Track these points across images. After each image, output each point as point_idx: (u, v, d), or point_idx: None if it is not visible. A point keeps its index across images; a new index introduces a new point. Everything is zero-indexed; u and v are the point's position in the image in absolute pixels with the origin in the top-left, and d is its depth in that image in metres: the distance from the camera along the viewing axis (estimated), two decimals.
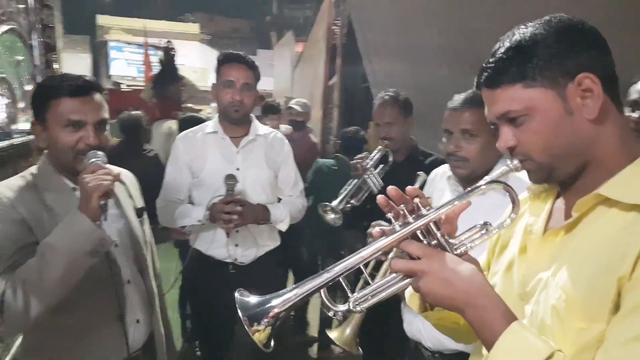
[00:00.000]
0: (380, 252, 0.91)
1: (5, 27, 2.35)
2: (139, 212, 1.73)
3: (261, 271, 2.34)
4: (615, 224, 0.84)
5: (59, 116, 1.43)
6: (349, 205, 2.39)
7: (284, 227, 2.42)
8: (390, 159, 2.44)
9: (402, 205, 0.94)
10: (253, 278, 2.27)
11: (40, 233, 1.38)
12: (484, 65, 0.95)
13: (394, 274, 0.92)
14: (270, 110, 4.82)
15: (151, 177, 4.18)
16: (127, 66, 25.84)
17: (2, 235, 1.35)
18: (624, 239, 0.80)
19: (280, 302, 0.92)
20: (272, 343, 0.92)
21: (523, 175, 1.03)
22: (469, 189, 0.96)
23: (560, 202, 0.99)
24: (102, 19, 27.27)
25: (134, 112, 4.79)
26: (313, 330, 4.15)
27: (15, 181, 1.47)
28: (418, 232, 0.92)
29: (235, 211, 2.13)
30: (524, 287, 0.96)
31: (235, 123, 2.34)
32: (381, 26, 4.42)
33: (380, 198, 0.95)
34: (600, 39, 0.90)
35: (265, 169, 2.37)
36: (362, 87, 5.12)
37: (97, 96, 1.50)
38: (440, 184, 1.94)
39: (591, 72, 0.86)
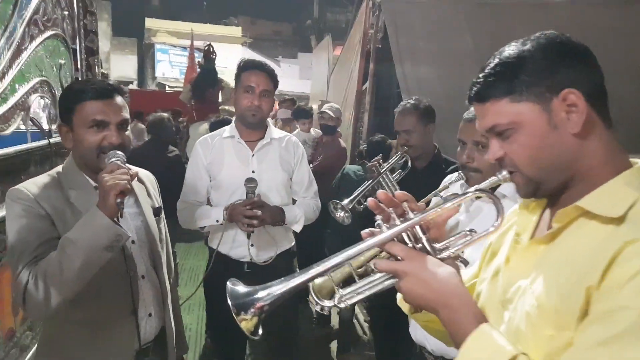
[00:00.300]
0: (363, 252, 0.97)
1: (49, 33, 2.50)
2: (156, 211, 1.81)
3: (276, 270, 2.40)
4: (593, 236, 0.86)
5: (84, 117, 1.53)
6: (361, 207, 2.43)
7: (298, 228, 2.48)
8: (409, 164, 2.47)
9: (391, 209, 0.98)
10: (267, 277, 2.35)
11: (62, 228, 1.47)
12: (474, 80, 0.98)
13: (379, 274, 0.96)
14: (302, 115, 4.90)
15: (172, 176, 4.39)
16: (171, 68, 26.53)
17: (26, 229, 1.44)
18: (598, 251, 0.82)
19: (266, 294, 0.99)
20: (260, 331, 0.99)
21: None
22: (454, 196, 1.00)
23: (548, 213, 1.01)
24: (150, 22, 28.07)
25: (160, 113, 4.94)
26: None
27: (42, 179, 1.57)
28: (404, 235, 0.96)
29: (254, 214, 2.21)
30: (505, 294, 0.98)
31: (252, 127, 2.41)
32: (414, 32, 4.44)
33: (370, 201, 1.00)
34: (588, 55, 0.92)
35: (280, 172, 2.44)
36: (395, 93, 5.14)
37: (119, 99, 1.60)
38: (453, 188, 1.97)
39: (576, 88, 0.89)
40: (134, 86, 24.23)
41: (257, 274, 2.35)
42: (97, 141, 1.54)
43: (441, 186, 2.07)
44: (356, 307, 4.37)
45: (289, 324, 2.59)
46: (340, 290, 0.98)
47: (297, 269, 3.62)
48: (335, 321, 4.31)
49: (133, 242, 1.67)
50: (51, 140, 2.39)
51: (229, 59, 13.60)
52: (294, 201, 2.58)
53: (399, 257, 0.94)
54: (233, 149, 2.43)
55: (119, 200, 1.39)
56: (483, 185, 1.00)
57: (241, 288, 1.03)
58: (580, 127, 0.89)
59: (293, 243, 2.61)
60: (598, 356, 0.75)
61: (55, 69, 2.62)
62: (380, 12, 5.01)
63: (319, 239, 3.95)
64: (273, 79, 2.38)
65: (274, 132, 2.51)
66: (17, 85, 2.11)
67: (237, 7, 34.85)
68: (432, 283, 0.91)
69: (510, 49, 0.94)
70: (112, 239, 1.40)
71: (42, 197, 1.50)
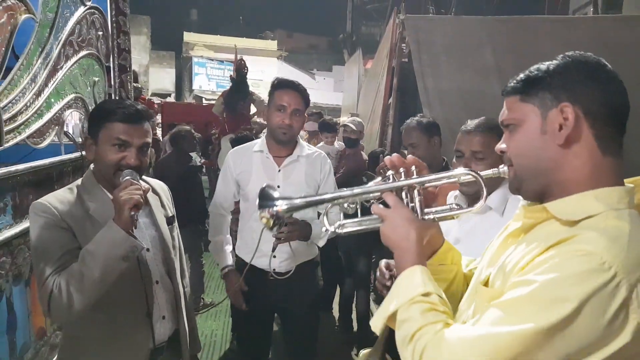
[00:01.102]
0: (369, 193, 1.20)
1: (84, 52, 2.68)
2: (169, 220, 1.94)
3: (299, 280, 2.49)
4: (546, 234, 0.97)
5: (109, 135, 1.66)
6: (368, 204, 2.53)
7: (322, 243, 2.57)
8: None
9: (401, 169, 1.20)
10: (291, 287, 2.47)
11: (83, 239, 1.59)
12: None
13: (374, 215, 1.18)
14: (326, 128, 5.01)
15: (190, 185, 4.52)
16: (208, 81, 27.12)
17: (50, 241, 1.57)
18: (539, 244, 0.95)
19: (285, 203, 1.21)
20: (275, 229, 1.24)
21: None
22: (445, 172, 1.19)
23: None
24: (188, 36, 28.79)
25: (181, 126, 5.18)
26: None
27: (63, 193, 1.70)
28: (403, 192, 1.18)
29: (284, 229, 2.32)
30: (479, 279, 1.15)
31: (282, 144, 2.50)
32: (435, 47, 4.51)
33: (386, 159, 1.21)
34: (608, 80, 0.98)
35: (305, 187, 2.50)
36: (419, 107, 5.20)
37: (146, 124, 1.72)
38: (449, 200, 2.06)
39: (576, 104, 0.96)
40: (171, 98, 24.85)
41: (281, 283, 2.45)
42: (116, 159, 1.66)
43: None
44: (372, 305, 4.44)
45: (309, 330, 2.68)
46: (343, 220, 1.24)
47: (321, 279, 3.72)
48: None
49: (148, 250, 1.79)
50: (83, 152, 2.56)
51: (265, 72, 13.88)
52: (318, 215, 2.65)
53: (389, 205, 1.14)
54: (261, 163, 2.53)
55: (132, 213, 1.51)
56: (484, 173, 1.16)
57: (271, 193, 1.23)
58: (563, 140, 0.97)
59: (317, 254, 2.67)
60: (497, 310, 0.91)
61: (89, 86, 2.80)
62: (405, 28, 5.08)
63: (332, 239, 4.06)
64: (304, 98, 2.46)
65: (304, 149, 2.58)
66: (52, 102, 2.29)
67: (273, 21, 35.45)
68: (398, 229, 1.10)
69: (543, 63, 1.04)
70: (128, 250, 1.52)
71: (63, 211, 1.61)
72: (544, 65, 1.01)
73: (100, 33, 3.00)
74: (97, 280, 1.50)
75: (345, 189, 1.20)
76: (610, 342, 0.83)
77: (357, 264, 4.10)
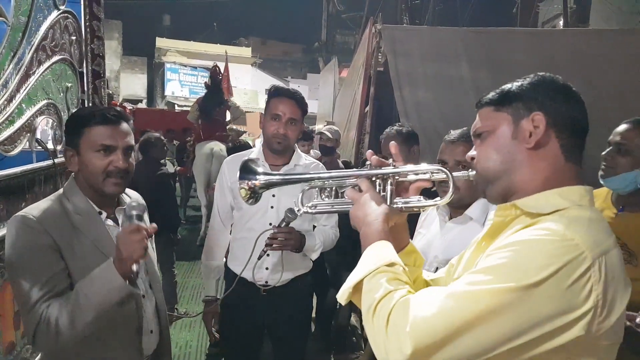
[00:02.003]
0: (345, 178, 1.30)
1: (56, 57, 2.61)
2: None
3: (292, 293, 2.43)
4: (517, 227, 1.05)
5: (92, 141, 1.59)
6: None
7: (315, 256, 2.51)
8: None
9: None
10: (283, 299, 2.42)
11: (69, 254, 1.53)
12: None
13: (346, 199, 1.27)
14: (302, 136, 4.99)
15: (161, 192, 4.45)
16: (181, 87, 26.88)
17: (36, 261, 1.48)
18: (509, 231, 1.04)
19: (264, 178, 1.32)
20: (251, 200, 1.36)
21: None
22: (418, 166, 1.24)
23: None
24: (160, 42, 28.51)
25: (150, 133, 5.13)
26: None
27: (45, 204, 1.61)
28: (377, 180, 1.25)
29: (278, 236, 2.26)
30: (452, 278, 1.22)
31: (277, 153, 2.44)
32: (412, 57, 4.56)
33: (368, 152, 1.31)
34: (573, 97, 1.11)
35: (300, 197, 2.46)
36: (395, 116, 5.24)
37: (125, 125, 1.67)
38: (433, 211, 2.07)
39: (546, 115, 1.07)
40: (143, 104, 24.53)
41: (273, 296, 2.39)
42: (103, 165, 1.60)
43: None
44: (353, 319, 4.44)
45: (297, 347, 2.63)
46: (317, 199, 1.33)
47: (313, 291, 3.69)
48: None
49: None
50: (56, 160, 2.49)
51: (239, 79, 13.80)
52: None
53: (361, 190, 1.22)
54: None
55: (135, 267, 1.45)
56: (455, 173, 1.22)
57: (252, 167, 1.33)
58: (533, 144, 1.08)
59: (310, 267, 2.60)
60: (472, 275, 0.97)
61: (61, 92, 2.73)
62: (381, 38, 5.13)
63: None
64: (301, 106, 2.41)
65: (301, 158, 2.53)
66: (24, 108, 2.22)
67: (248, 28, 35.40)
68: (365, 209, 1.18)
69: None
70: (124, 297, 1.47)
71: (50, 226, 1.53)
72: (518, 82, 1.13)
73: (74, 38, 2.93)
74: (89, 322, 1.45)
75: (323, 171, 1.23)
76: (572, 310, 0.90)
77: (342, 277, 4.09)
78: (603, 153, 2.15)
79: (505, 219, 1.11)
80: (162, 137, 5.18)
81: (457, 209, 1.90)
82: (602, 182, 2.22)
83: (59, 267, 1.51)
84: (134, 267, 1.45)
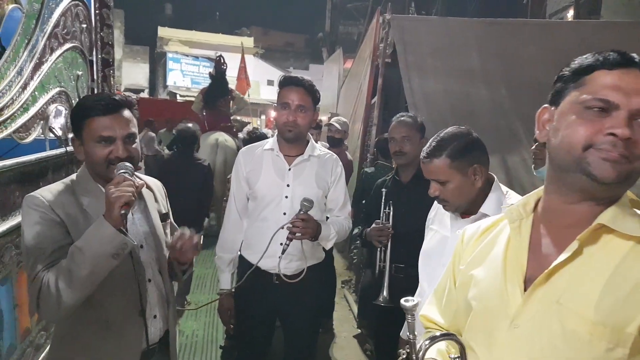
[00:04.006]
0: None
1: (68, 45, 2.60)
2: (163, 217, 1.88)
3: (304, 283, 2.41)
4: (619, 253, 0.94)
5: (92, 133, 1.60)
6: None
7: (328, 245, 2.51)
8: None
9: None
10: (296, 290, 2.41)
11: (75, 234, 1.54)
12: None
13: None
14: None
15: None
16: (183, 77, 26.80)
17: (42, 236, 1.51)
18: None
19: None
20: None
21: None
22: None
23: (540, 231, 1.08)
24: (162, 31, 28.40)
25: (184, 124, 5.14)
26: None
27: (57, 186, 1.64)
28: None
29: (299, 224, 2.26)
30: (513, 311, 1.01)
31: (290, 142, 2.43)
32: (421, 48, 4.53)
33: None
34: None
35: (314, 188, 2.44)
36: (403, 107, 5.23)
37: (126, 112, 1.65)
38: (430, 214, 2.13)
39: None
40: (144, 94, 24.47)
41: (286, 286, 2.38)
42: (104, 155, 1.61)
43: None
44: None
45: (310, 337, 2.64)
46: None
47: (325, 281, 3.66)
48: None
49: (142, 246, 1.74)
50: (68, 148, 2.48)
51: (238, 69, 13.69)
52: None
53: None
54: (271, 162, 2.47)
55: (123, 211, 1.45)
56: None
57: None
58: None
59: (323, 257, 2.61)
60: None
61: (73, 80, 2.71)
62: (389, 29, 5.09)
63: None
64: (311, 93, 2.39)
65: (315, 149, 2.52)
66: (37, 95, 2.21)
67: (250, 17, 35.25)
68: None
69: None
70: (118, 247, 1.47)
71: (57, 204, 1.56)
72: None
73: (84, 26, 2.91)
74: (86, 277, 1.45)
75: None
76: None
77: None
78: (531, 148, 2.29)
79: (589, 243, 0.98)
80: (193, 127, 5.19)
81: (463, 212, 1.90)
82: (535, 173, 2.29)
83: (65, 242, 1.53)
84: (122, 212, 1.45)
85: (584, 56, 1.00)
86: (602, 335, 0.89)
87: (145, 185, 1.76)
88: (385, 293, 2.48)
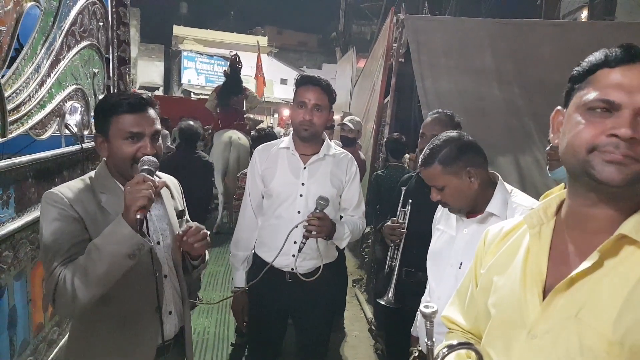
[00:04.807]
0: None
1: (85, 43, 2.63)
2: (179, 214, 1.90)
3: (316, 282, 2.40)
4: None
5: (120, 129, 1.62)
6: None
7: (343, 244, 2.51)
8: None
9: None
10: (309, 288, 2.41)
11: (94, 230, 1.56)
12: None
13: None
14: None
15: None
16: (197, 75, 26.93)
17: (60, 231, 1.53)
18: None
19: None
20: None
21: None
22: None
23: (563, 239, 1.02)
24: (177, 30, 28.56)
25: (187, 121, 5.20)
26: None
27: (76, 183, 1.66)
28: None
29: (315, 223, 2.27)
30: (531, 321, 0.98)
31: (306, 141, 2.43)
32: (435, 48, 4.52)
33: None
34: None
35: (329, 187, 2.44)
36: (416, 107, 5.21)
37: (152, 111, 1.68)
38: (436, 215, 2.16)
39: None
40: (159, 92, 24.64)
41: (299, 284, 2.38)
42: (132, 152, 1.62)
43: None
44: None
45: (322, 335, 2.65)
46: None
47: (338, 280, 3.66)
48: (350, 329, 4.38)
49: (159, 243, 1.75)
50: (83, 145, 2.51)
51: (254, 69, 13.76)
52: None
53: None
54: (287, 160, 2.48)
55: (138, 215, 1.45)
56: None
57: None
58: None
59: (336, 256, 2.62)
60: None
61: (89, 77, 2.75)
62: (403, 28, 5.08)
63: None
64: (328, 92, 2.40)
65: (331, 148, 2.53)
66: (54, 92, 2.24)
67: (264, 17, 35.33)
68: None
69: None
70: (134, 247, 1.47)
71: (76, 201, 1.57)
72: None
73: (101, 24, 2.95)
74: (102, 276, 1.46)
75: None
76: None
77: None
78: (547, 149, 2.26)
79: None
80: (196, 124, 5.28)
81: (467, 212, 1.91)
82: (550, 175, 2.26)
83: (82, 237, 1.55)
84: (138, 216, 1.45)
85: (591, 55, 0.96)
86: (619, 354, 0.85)
87: (165, 184, 1.78)
88: (390, 295, 2.46)
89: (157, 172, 1.70)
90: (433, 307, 1.10)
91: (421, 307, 1.11)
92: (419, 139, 2.67)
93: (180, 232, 1.71)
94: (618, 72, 0.90)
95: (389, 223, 2.54)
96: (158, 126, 1.69)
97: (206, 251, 1.91)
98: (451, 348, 1.07)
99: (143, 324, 1.68)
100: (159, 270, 1.70)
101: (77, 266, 1.48)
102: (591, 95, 0.91)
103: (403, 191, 2.60)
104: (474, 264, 1.24)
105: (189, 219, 2.00)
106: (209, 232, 1.73)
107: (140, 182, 1.49)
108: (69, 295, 1.46)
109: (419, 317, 1.96)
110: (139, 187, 1.48)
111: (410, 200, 2.53)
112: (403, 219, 2.53)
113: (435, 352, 1.07)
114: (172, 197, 1.91)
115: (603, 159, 0.88)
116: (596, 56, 0.95)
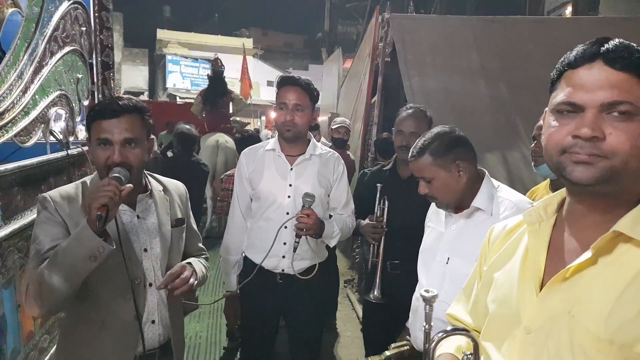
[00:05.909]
0: None
1: (68, 48, 2.60)
2: (177, 222, 1.88)
3: (307, 283, 2.41)
4: (636, 265, 0.88)
5: (94, 136, 1.64)
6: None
7: (332, 243, 2.52)
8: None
9: None
10: (300, 288, 2.42)
11: None
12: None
13: None
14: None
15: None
16: (182, 79, 26.79)
17: (44, 233, 1.57)
18: None
19: None
20: None
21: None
22: None
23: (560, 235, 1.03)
24: (161, 33, 28.39)
25: (183, 126, 5.19)
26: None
27: (68, 188, 1.69)
28: None
29: (304, 220, 2.27)
30: (527, 318, 0.99)
31: (290, 142, 2.44)
32: (421, 47, 4.54)
33: None
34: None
35: (317, 187, 2.44)
36: (404, 106, 5.22)
37: (128, 118, 1.65)
38: (429, 212, 2.16)
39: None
40: (144, 97, 24.47)
41: (291, 285, 2.39)
42: (103, 159, 1.63)
43: None
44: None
45: (314, 334, 2.65)
46: None
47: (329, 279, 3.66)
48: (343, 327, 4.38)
49: (145, 250, 1.74)
50: (68, 151, 2.49)
51: (239, 71, 13.69)
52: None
53: None
54: (273, 162, 2.48)
55: (99, 213, 1.44)
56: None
57: None
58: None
59: (326, 255, 2.62)
60: None
61: (73, 83, 2.72)
62: (389, 27, 5.09)
63: None
64: (308, 91, 2.40)
65: (317, 148, 2.53)
66: (38, 99, 2.21)
67: (249, 19, 35.25)
68: None
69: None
70: (94, 249, 1.47)
71: (61, 205, 1.62)
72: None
73: (84, 29, 2.91)
74: (64, 277, 1.47)
75: None
76: None
77: None
78: (531, 146, 2.31)
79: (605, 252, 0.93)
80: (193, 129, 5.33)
81: (455, 208, 1.92)
82: (535, 170, 2.31)
83: (61, 241, 1.55)
84: (98, 212, 1.44)
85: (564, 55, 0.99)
86: (608, 353, 0.86)
87: (162, 190, 1.85)
88: (376, 291, 2.46)
89: (162, 178, 1.76)
90: (433, 292, 1.15)
91: (421, 291, 1.16)
92: (394, 136, 2.67)
93: (162, 280, 1.72)
94: (580, 72, 0.93)
95: (367, 221, 2.55)
96: (129, 134, 1.64)
97: (202, 268, 1.95)
98: (446, 332, 1.11)
99: (122, 331, 1.69)
100: (140, 278, 1.71)
101: (44, 267, 1.50)
102: (559, 97, 0.95)
103: (379, 188, 2.58)
104: (478, 262, 1.26)
105: (196, 229, 2.07)
106: (193, 278, 1.76)
107: (105, 184, 1.50)
108: (37, 294, 1.49)
109: (419, 303, 1.93)
110: (102, 187, 1.49)
111: (385, 196, 2.54)
112: (381, 215, 2.53)
113: (432, 336, 1.10)
114: (171, 204, 1.89)
115: (571, 160, 0.91)
116: (564, 57, 0.97)
